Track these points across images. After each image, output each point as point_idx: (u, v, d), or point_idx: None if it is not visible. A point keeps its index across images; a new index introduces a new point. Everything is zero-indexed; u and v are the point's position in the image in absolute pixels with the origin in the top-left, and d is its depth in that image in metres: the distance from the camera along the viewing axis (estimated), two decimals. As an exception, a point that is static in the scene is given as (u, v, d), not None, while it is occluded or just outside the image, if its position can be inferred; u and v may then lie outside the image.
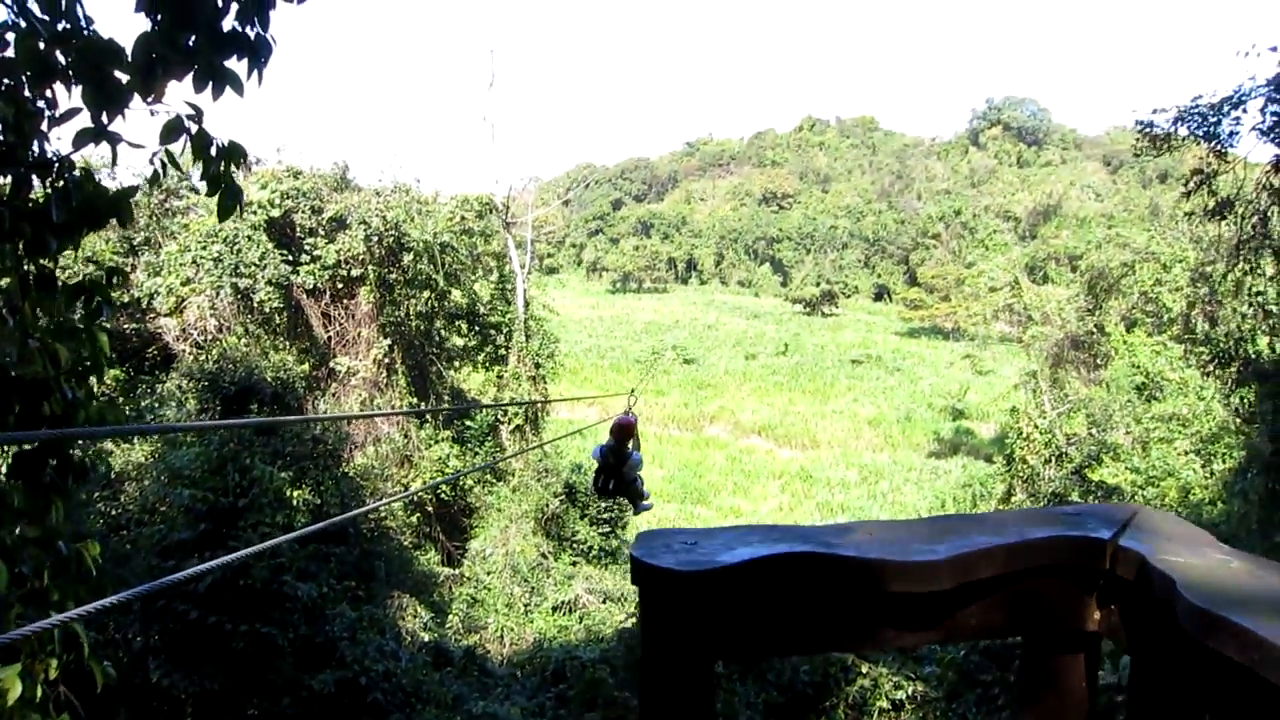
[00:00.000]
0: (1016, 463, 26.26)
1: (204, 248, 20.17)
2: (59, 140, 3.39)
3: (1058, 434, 24.91)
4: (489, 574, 20.79)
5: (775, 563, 1.67)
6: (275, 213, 20.80)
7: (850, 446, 44.11)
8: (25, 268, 3.37)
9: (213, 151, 3.34)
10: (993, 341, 54.58)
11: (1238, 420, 18.39)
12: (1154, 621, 1.62)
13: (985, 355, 55.08)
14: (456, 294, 24.37)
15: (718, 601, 1.68)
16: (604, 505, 23.30)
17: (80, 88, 3.19)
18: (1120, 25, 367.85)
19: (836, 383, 56.32)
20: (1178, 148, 14.55)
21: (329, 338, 22.13)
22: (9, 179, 3.29)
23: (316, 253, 21.19)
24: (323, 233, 21.52)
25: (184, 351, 20.03)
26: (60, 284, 3.50)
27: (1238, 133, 13.00)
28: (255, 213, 20.45)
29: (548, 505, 22.23)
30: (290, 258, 21.08)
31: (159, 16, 3.09)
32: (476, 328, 25.30)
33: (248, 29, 3.21)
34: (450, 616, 19.14)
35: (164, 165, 3.40)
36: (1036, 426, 25.57)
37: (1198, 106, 13.16)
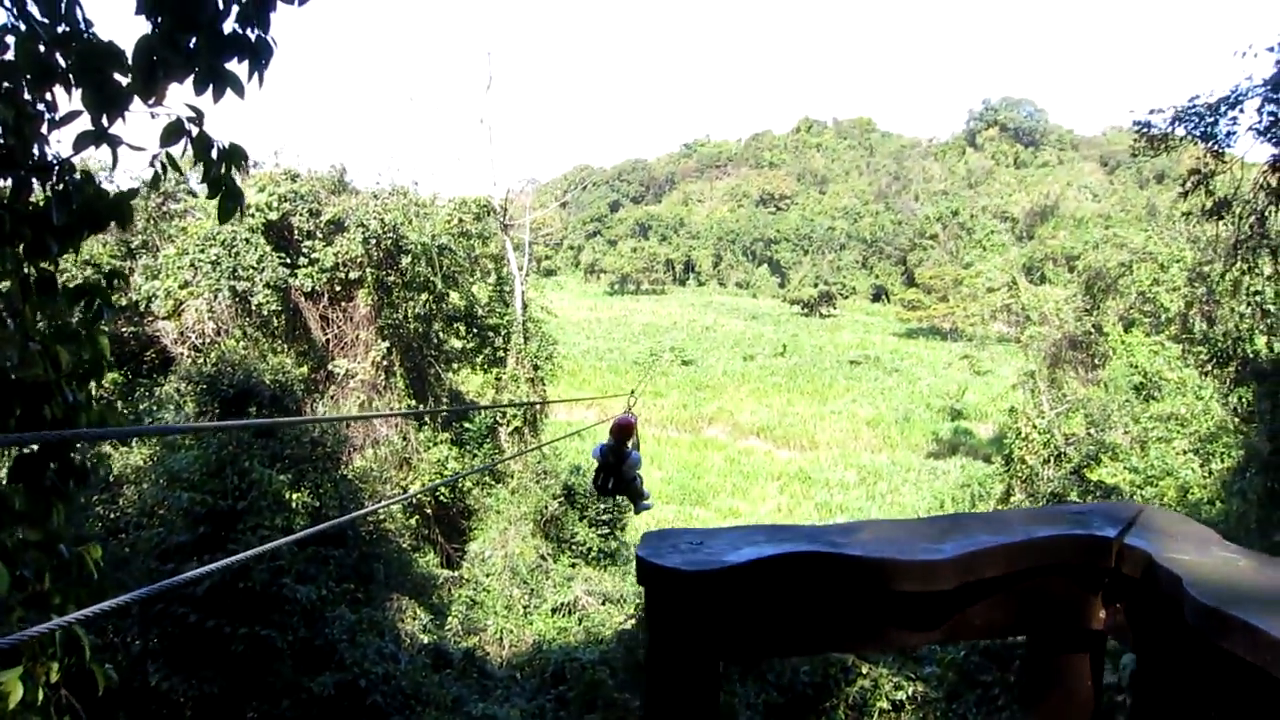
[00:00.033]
0: (1015, 463, 26.28)
1: (202, 251, 20.15)
2: (59, 143, 3.38)
3: (1056, 434, 24.93)
4: (488, 576, 20.77)
5: (781, 562, 1.67)
6: (273, 216, 20.79)
7: (849, 447, 44.12)
8: (26, 271, 3.36)
9: (214, 154, 3.33)
10: (991, 342, 54.60)
11: (1236, 419, 18.40)
12: (1160, 620, 1.62)
13: (983, 356, 55.10)
14: (454, 296, 24.36)
15: (724, 601, 1.68)
16: (603, 507, 23.29)
17: (80, 90, 3.18)
18: (1117, 26, 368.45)
19: (835, 384, 56.34)
20: (1175, 148, 14.54)
21: (327, 340, 22.10)
22: (9, 182, 3.28)
23: (314, 255, 21.17)
24: (320, 235, 21.51)
25: (182, 354, 20.00)
26: (60, 287, 3.49)
27: (1235, 133, 13.00)
28: (253, 216, 20.43)
29: (547, 507, 22.22)
30: (288, 260, 21.06)
31: (159, 19, 3.09)
32: (475, 330, 25.29)
33: (248, 31, 3.20)
34: (449, 618, 19.11)
35: (164, 168, 3.40)
36: (1035, 426, 25.58)
37: (1195, 106, 13.16)
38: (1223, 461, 18.41)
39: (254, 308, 20.48)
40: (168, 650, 11.78)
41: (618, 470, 8.09)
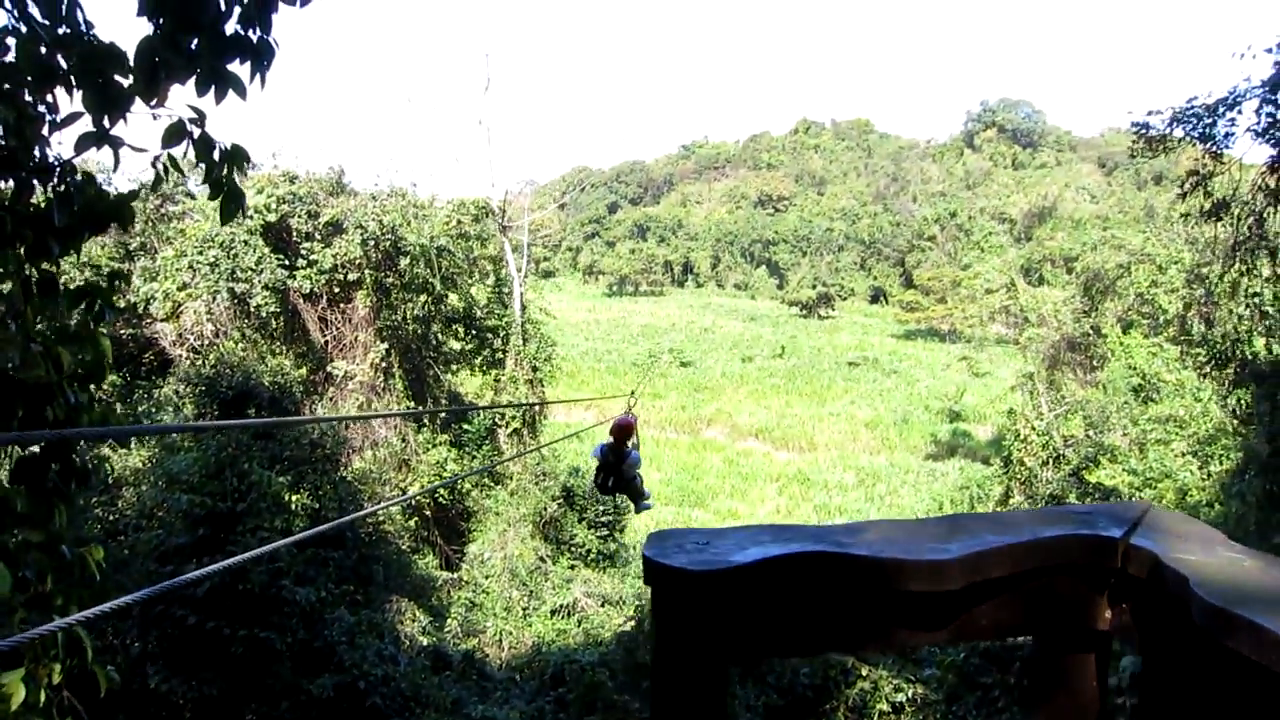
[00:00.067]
0: (1014, 464, 26.30)
1: (200, 253, 20.15)
2: (60, 145, 3.38)
3: (1055, 436, 24.94)
4: (487, 578, 20.76)
5: (788, 562, 1.67)
6: (271, 217, 20.79)
7: (847, 449, 44.11)
8: (27, 272, 3.35)
9: (216, 155, 3.33)
10: (989, 343, 54.66)
11: (1235, 421, 18.41)
12: (1166, 619, 1.62)
13: (982, 357, 55.15)
14: (453, 298, 24.36)
15: (731, 601, 1.68)
16: (602, 509, 23.29)
17: (81, 92, 3.18)
18: (1115, 27, 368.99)
19: (833, 385, 56.33)
20: (1173, 149, 14.56)
21: (326, 342, 22.10)
22: (10, 183, 3.28)
23: (313, 257, 21.17)
24: (319, 237, 21.51)
25: (181, 356, 20.00)
26: (62, 288, 3.49)
27: (1233, 134, 13.01)
28: (252, 218, 20.43)
29: (546, 509, 22.21)
30: (287, 262, 21.06)
31: (161, 20, 3.09)
32: (473, 331, 25.28)
33: (250, 32, 3.20)
34: (449, 620, 19.11)
35: (166, 169, 3.40)
36: (1034, 428, 25.59)
37: (1193, 108, 13.17)
38: (1221, 464, 18.42)
39: (252, 309, 20.48)
40: (167, 652, 11.77)
41: (618, 469, 8.19)
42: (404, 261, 21.74)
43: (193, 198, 22.79)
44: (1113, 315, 29.03)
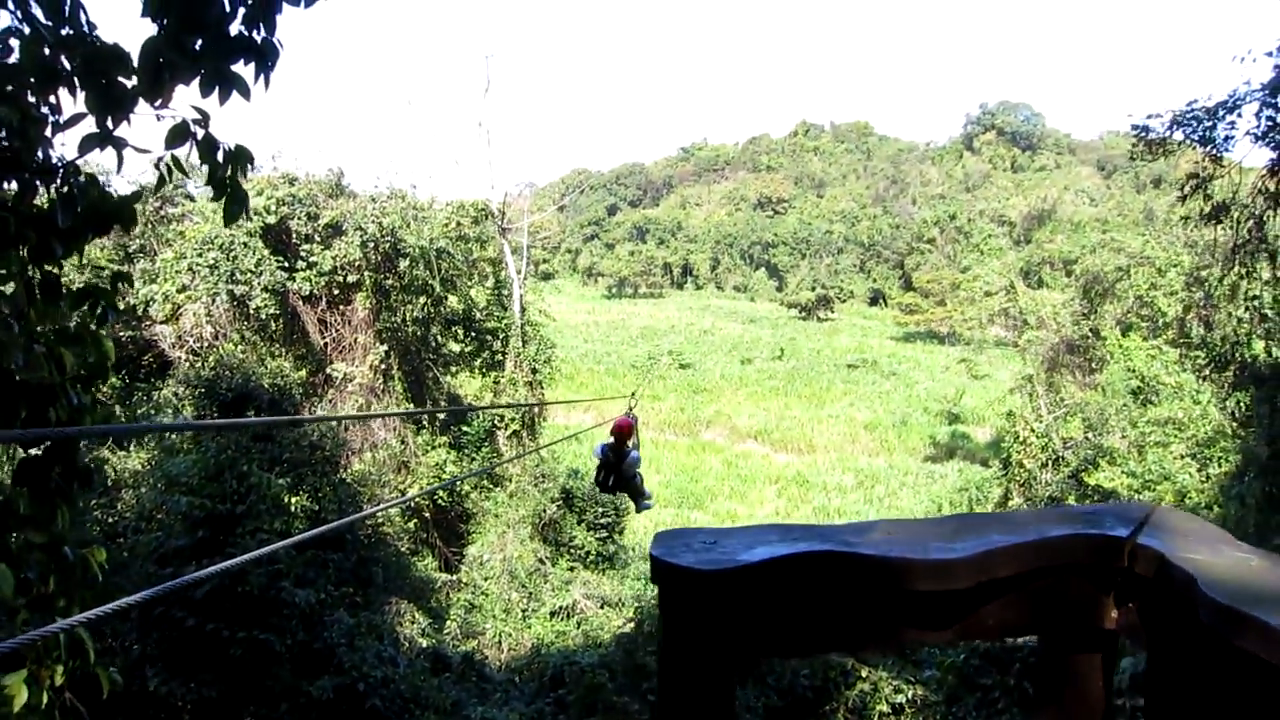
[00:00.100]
0: (1013, 467, 26.31)
1: (200, 255, 20.15)
2: (63, 146, 3.38)
3: (1054, 438, 24.95)
4: (486, 579, 20.76)
5: (795, 561, 1.67)
6: (271, 219, 20.79)
7: (846, 451, 44.14)
8: (30, 274, 3.35)
9: (219, 156, 3.33)
10: (988, 346, 54.70)
11: (1234, 424, 18.42)
12: (1174, 619, 1.62)
13: (981, 359, 55.19)
14: (453, 300, 24.36)
15: (738, 600, 1.68)
16: (601, 510, 23.31)
17: (84, 93, 3.18)
18: (1114, 30, 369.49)
19: (832, 387, 56.35)
20: (1173, 152, 14.59)
21: (325, 344, 22.10)
22: (14, 185, 3.28)
23: (312, 259, 21.17)
24: (319, 239, 21.51)
25: (180, 359, 19.99)
26: (65, 290, 3.49)
27: (1233, 137, 13.04)
28: (251, 219, 20.42)
29: (545, 511, 22.21)
30: (286, 264, 21.06)
31: (165, 21, 3.09)
32: (473, 333, 25.28)
33: (254, 33, 3.20)
34: (448, 622, 19.11)
35: (169, 170, 3.40)
36: (1033, 430, 25.60)
37: (1193, 111, 13.20)
38: (1220, 466, 18.43)
39: (252, 311, 20.47)
40: (166, 654, 11.76)
41: (618, 469, 8.30)
42: (403, 263, 21.74)
43: (192, 200, 22.80)
44: (1112, 318, 29.06)
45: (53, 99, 3.26)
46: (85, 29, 3.21)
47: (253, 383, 16.16)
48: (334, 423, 18.39)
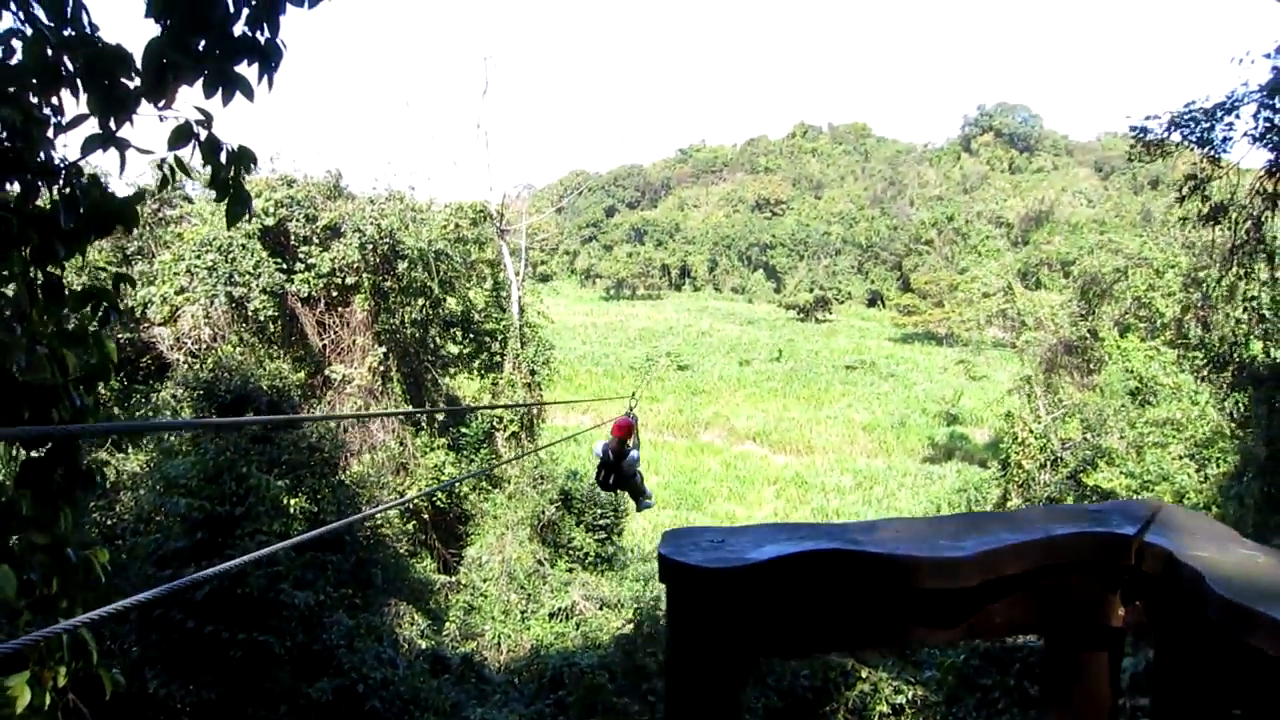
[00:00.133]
0: (1011, 467, 26.34)
1: (198, 257, 20.12)
2: (65, 147, 3.38)
3: (1052, 439, 24.98)
4: (485, 581, 20.76)
5: (803, 560, 1.67)
6: (269, 221, 20.77)
7: (845, 452, 44.14)
8: (32, 275, 3.35)
9: (222, 157, 3.33)
10: (986, 347, 54.75)
11: (1232, 424, 18.44)
12: (1181, 616, 1.63)
13: (979, 361, 55.26)
14: (451, 301, 24.35)
15: (747, 598, 1.68)
16: (600, 512, 23.32)
17: (87, 94, 3.17)
18: (1112, 32, 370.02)
19: (830, 388, 56.35)
20: (1171, 153, 14.60)
21: (324, 346, 22.08)
22: (16, 186, 3.27)
23: (311, 261, 21.15)
24: (317, 241, 21.49)
25: (178, 361, 19.97)
26: (67, 291, 3.49)
27: (1231, 138, 13.05)
28: (249, 221, 20.39)
29: (544, 512, 22.21)
30: (285, 266, 21.04)
31: (169, 21, 3.09)
32: (471, 335, 25.28)
33: (258, 34, 3.20)
34: (447, 624, 19.10)
35: (172, 170, 3.40)
36: (1031, 431, 25.63)
37: (1191, 112, 13.22)
38: (1219, 466, 18.43)
39: (250, 313, 20.45)
40: (166, 656, 11.75)
41: (618, 468, 8.38)
42: (402, 265, 21.72)
43: (190, 201, 22.78)
44: (1110, 319, 29.07)
45: (55, 100, 3.25)
46: (87, 30, 3.22)
47: (251, 384, 16.16)
48: (333, 425, 18.39)
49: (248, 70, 3.22)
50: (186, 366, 19.25)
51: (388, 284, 22.14)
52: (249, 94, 3.23)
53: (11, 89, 3.16)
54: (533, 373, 24.97)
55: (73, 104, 3.24)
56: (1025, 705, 10.41)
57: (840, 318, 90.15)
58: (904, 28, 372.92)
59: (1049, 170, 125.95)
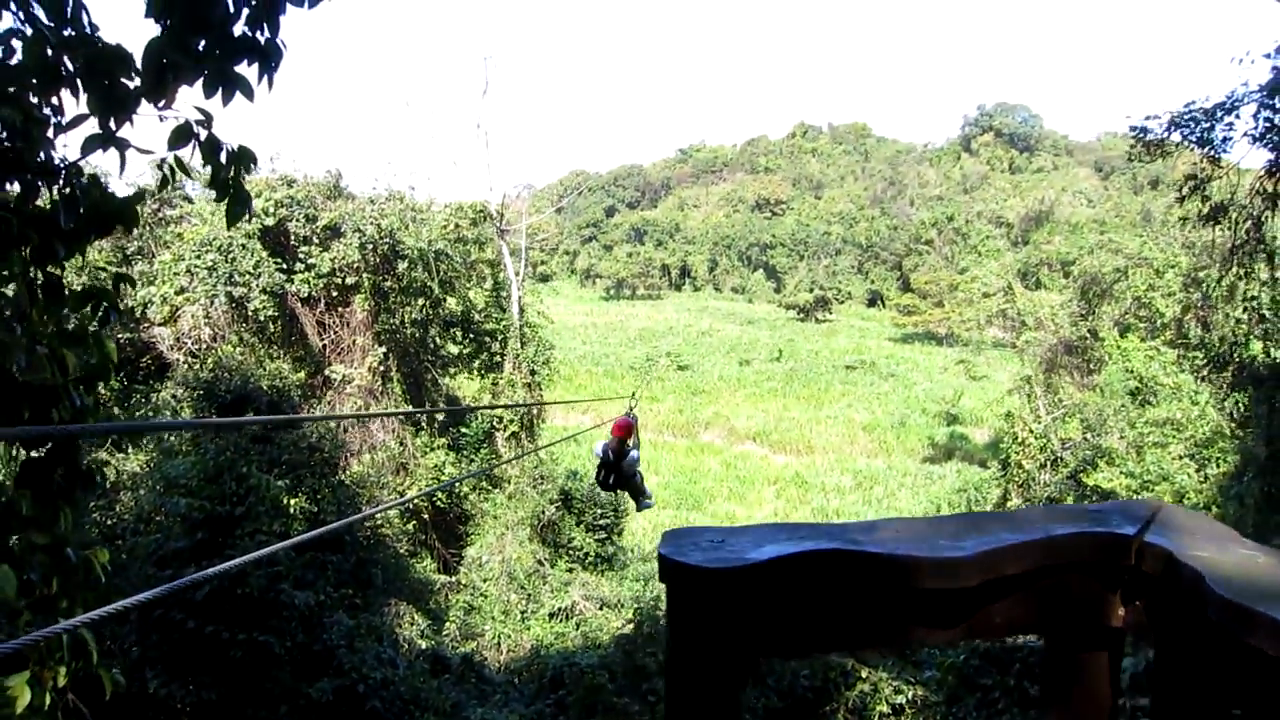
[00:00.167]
0: (1012, 467, 26.35)
1: (198, 257, 20.13)
2: (65, 147, 3.38)
3: (1052, 439, 24.98)
4: (485, 581, 20.77)
5: (804, 560, 1.67)
6: (269, 221, 20.77)
7: (845, 452, 44.14)
8: (32, 275, 3.35)
9: (222, 157, 3.33)
10: (986, 347, 54.79)
11: (1232, 424, 18.44)
12: (1181, 616, 1.63)
13: (979, 360, 55.28)
14: (451, 301, 24.36)
15: (747, 598, 1.68)
16: (599, 512, 23.32)
17: (87, 94, 3.17)
18: (1112, 32, 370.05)
19: (830, 388, 56.35)
20: (1171, 153, 14.61)
21: (324, 346, 22.08)
22: (16, 186, 3.27)
23: (311, 261, 21.15)
24: (317, 241, 21.49)
25: (178, 361, 19.97)
26: (67, 291, 3.49)
27: (1231, 138, 13.06)
28: (249, 221, 20.39)
29: (544, 512, 22.22)
30: (284, 266, 21.05)
31: (169, 21, 3.09)
32: (471, 335, 25.28)
33: (258, 33, 3.20)
34: (447, 624, 19.11)
35: (172, 171, 3.40)
36: (1031, 431, 25.63)
37: (1191, 112, 13.23)
38: (1219, 466, 18.44)
39: (250, 313, 20.46)
40: (166, 657, 11.74)
41: (618, 467, 8.40)
42: (402, 265, 21.73)
43: (190, 201, 22.78)
44: (1110, 319, 29.07)
45: (55, 100, 3.25)
46: (87, 30, 3.22)
47: (251, 385, 16.17)
48: (333, 425, 18.38)
49: (248, 70, 3.22)
50: (186, 367, 19.26)
51: (388, 284, 22.15)
52: (249, 94, 3.23)
53: (12, 89, 3.16)
54: (533, 373, 24.98)
55: (73, 104, 3.25)
56: (1025, 705, 10.41)
57: (840, 318, 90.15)
58: (904, 28, 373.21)
59: (1049, 170, 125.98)
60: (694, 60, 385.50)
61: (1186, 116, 13.26)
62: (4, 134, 3.17)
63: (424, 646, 16.90)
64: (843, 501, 36.48)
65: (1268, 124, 12.30)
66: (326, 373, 21.68)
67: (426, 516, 22.18)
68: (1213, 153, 13.47)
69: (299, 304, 21.55)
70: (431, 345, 24.34)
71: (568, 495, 23.19)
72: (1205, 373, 18.70)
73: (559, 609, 20.23)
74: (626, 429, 8.42)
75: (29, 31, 3.15)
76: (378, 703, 12.63)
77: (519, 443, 24.10)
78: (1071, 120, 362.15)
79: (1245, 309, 16.49)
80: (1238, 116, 12.82)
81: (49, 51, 3.13)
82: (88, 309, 3.55)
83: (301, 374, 20.82)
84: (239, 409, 15.37)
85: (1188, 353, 22.40)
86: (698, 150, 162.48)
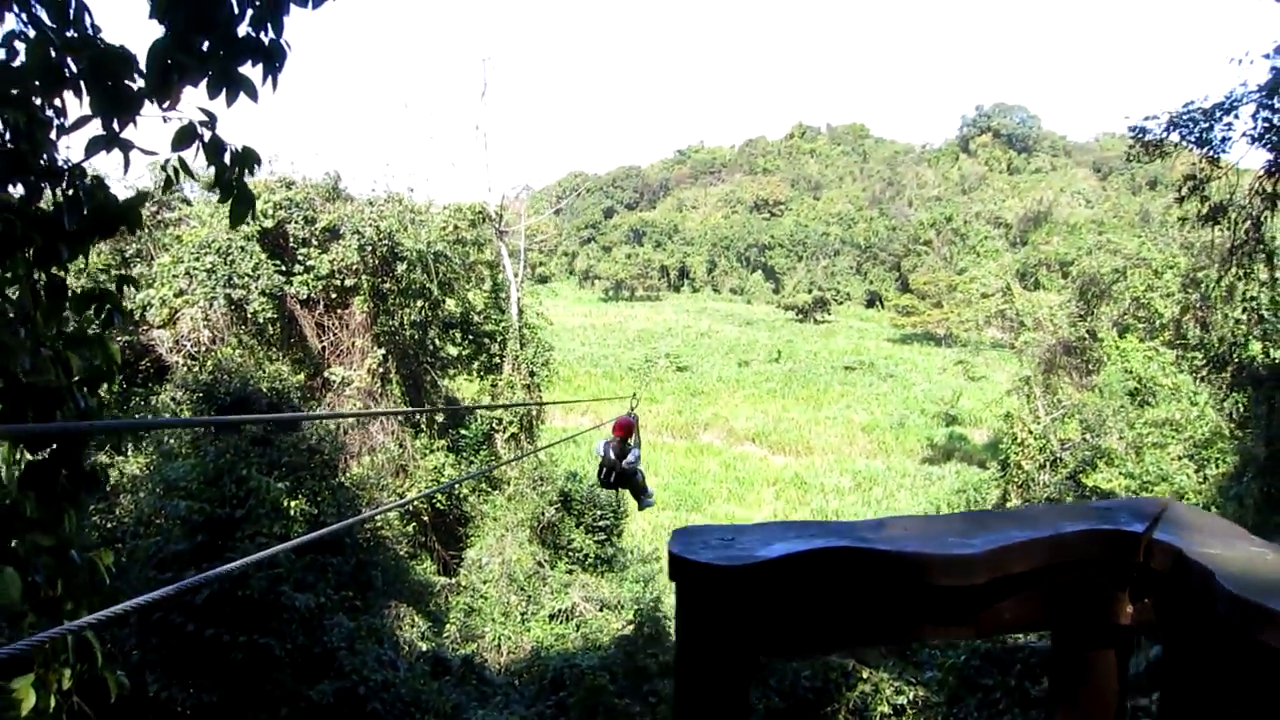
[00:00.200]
0: (1011, 468, 26.37)
1: (197, 259, 20.13)
2: (69, 149, 3.38)
3: (1051, 439, 25.00)
4: (485, 583, 20.76)
5: (813, 557, 1.67)
6: (268, 223, 20.77)
7: (844, 453, 44.17)
8: (36, 276, 3.35)
9: (226, 158, 3.33)
10: (985, 347, 54.82)
11: (1231, 425, 18.47)
12: (1190, 614, 1.63)
13: (978, 361, 55.32)
14: (450, 303, 24.36)
15: (757, 596, 1.68)
16: (599, 513, 23.31)
17: (90, 95, 3.18)
18: (1111, 32, 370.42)
19: (829, 389, 56.38)
20: (1170, 154, 14.63)
21: (323, 348, 22.09)
22: (20, 187, 3.28)
23: (310, 263, 21.15)
24: (316, 243, 21.49)
25: (178, 363, 19.96)
26: (70, 293, 3.49)
27: (1230, 139, 13.09)
28: (248, 223, 20.39)
29: (543, 514, 22.22)
30: (284, 268, 21.05)
31: (172, 22, 3.09)
32: (470, 337, 25.29)
33: (262, 34, 3.21)
34: (447, 626, 19.10)
35: (176, 172, 3.40)
36: (1030, 432, 25.65)
37: (1190, 112, 13.26)
38: (1218, 467, 18.45)
39: (249, 316, 20.46)
40: (166, 659, 11.74)
41: (619, 466, 8.45)
42: (401, 267, 21.73)
43: (189, 204, 22.78)
44: (1108, 319, 29.09)
45: (59, 101, 3.26)
46: (90, 31, 3.22)
47: (251, 386, 16.17)
48: (332, 427, 18.38)
49: (252, 71, 3.23)
50: (186, 369, 19.25)
51: (387, 286, 22.15)
52: (253, 95, 3.24)
53: (15, 91, 3.17)
54: (532, 374, 24.99)
55: (76, 105, 3.25)
56: (1026, 706, 10.42)
57: (839, 318, 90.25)
58: (902, 28, 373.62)
59: (1047, 171, 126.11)
60: (692, 61, 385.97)
61: (1185, 117, 13.29)
62: (8, 136, 3.17)
63: (424, 648, 16.90)
64: (842, 502, 36.51)
65: (1266, 124, 12.32)
66: (326, 375, 21.69)
67: (426, 518, 22.18)
68: (1211, 153, 13.50)
69: (298, 306, 21.56)
70: (430, 347, 24.34)
71: (567, 497, 23.19)
72: (1204, 373, 18.74)
73: (559, 610, 20.23)
74: (628, 428, 8.47)
75: (32, 33, 3.15)
76: (378, 705, 12.63)
77: (518, 444, 24.11)
78: (1070, 121, 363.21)
79: (1244, 309, 16.53)
80: (1236, 117, 12.86)
81: (52, 53, 3.13)
82: (90, 311, 3.55)
83: (301, 376, 20.81)
84: (238, 411, 15.38)
85: (1187, 353, 22.44)
86: (696, 151, 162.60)
